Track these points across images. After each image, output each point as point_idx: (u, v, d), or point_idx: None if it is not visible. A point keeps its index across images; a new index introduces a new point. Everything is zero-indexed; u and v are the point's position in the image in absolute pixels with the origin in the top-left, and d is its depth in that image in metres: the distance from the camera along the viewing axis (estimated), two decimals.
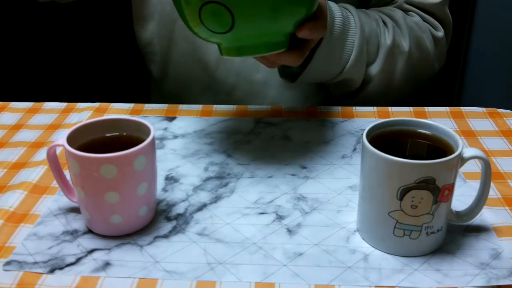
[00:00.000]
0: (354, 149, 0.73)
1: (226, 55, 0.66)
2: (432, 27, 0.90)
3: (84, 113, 0.81)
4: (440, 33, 0.90)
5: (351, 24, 0.79)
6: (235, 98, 0.90)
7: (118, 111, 0.82)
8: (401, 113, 0.81)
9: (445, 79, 1.40)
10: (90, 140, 0.59)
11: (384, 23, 0.85)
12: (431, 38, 0.89)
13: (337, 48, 0.78)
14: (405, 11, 0.89)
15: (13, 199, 0.63)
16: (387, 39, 0.83)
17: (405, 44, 0.85)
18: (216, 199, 0.64)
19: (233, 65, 0.88)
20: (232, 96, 0.90)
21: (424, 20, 0.89)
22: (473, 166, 0.68)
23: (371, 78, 0.84)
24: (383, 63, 0.83)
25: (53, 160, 0.60)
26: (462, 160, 0.54)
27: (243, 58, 0.83)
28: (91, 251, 0.56)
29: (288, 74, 0.82)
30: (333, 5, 0.78)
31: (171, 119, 0.81)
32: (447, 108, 0.82)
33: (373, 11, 0.87)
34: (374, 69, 0.83)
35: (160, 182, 0.66)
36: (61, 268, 0.54)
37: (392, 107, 0.82)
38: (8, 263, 0.55)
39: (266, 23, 0.61)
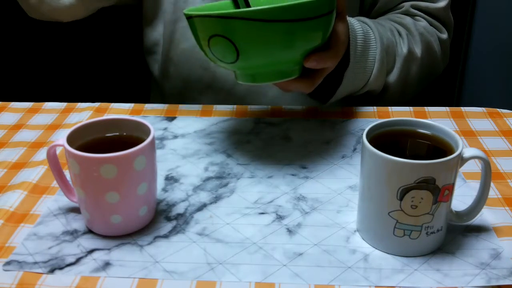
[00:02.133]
0: (354, 149, 0.73)
1: (240, 81, 0.68)
2: (437, 30, 0.93)
3: (84, 113, 0.81)
4: (445, 35, 0.93)
5: (371, 39, 0.81)
6: (236, 96, 0.91)
7: (118, 111, 0.82)
8: (401, 113, 0.81)
9: (445, 79, 1.40)
10: (90, 140, 0.59)
11: (398, 32, 0.88)
12: (438, 41, 0.92)
13: (361, 64, 0.80)
14: (412, 16, 0.92)
15: (13, 199, 0.63)
16: (403, 48, 0.86)
17: (418, 51, 0.88)
18: (216, 199, 0.64)
19: None
20: (233, 94, 0.91)
21: (430, 24, 0.92)
22: (473, 166, 0.68)
23: (388, 86, 0.86)
24: (400, 71, 0.86)
25: (53, 160, 0.60)
26: (462, 160, 0.54)
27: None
28: (91, 251, 0.56)
29: (317, 95, 0.83)
30: (353, 21, 0.79)
31: (171, 119, 0.81)
32: (447, 108, 0.82)
33: (386, 21, 0.89)
34: (392, 77, 0.86)
35: (160, 182, 0.66)
36: (61, 268, 0.54)
37: (392, 107, 0.82)
38: (8, 263, 0.55)
39: (271, 56, 0.62)
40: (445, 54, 0.95)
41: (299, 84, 0.68)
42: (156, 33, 0.95)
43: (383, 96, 0.88)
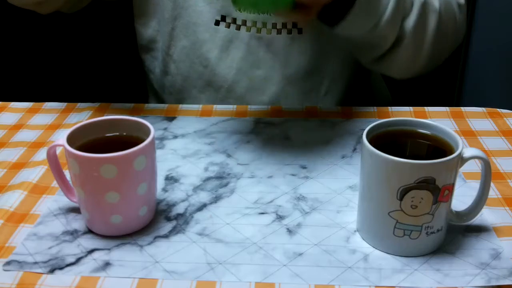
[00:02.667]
0: (354, 149, 0.73)
1: (235, 7, 0.66)
2: None
3: (84, 113, 0.81)
4: (462, 0, 0.88)
5: None
6: (236, 94, 0.91)
7: (118, 111, 0.82)
8: (401, 113, 0.81)
9: (445, 79, 1.40)
10: (90, 140, 0.59)
11: None
12: (456, 3, 0.87)
13: None
14: None
15: (13, 199, 0.63)
16: None
17: (435, 3, 0.82)
18: (216, 199, 0.64)
19: (234, 61, 0.89)
20: (233, 92, 0.91)
21: None
22: (473, 166, 0.68)
23: (404, 33, 0.80)
24: (417, 19, 0.80)
25: (53, 160, 0.60)
26: (462, 160, 0.54)
27: (244, 54, 0.86)
28: (91, 251, 0.56)
29: (327, 19, 0.78)
30: None
31: (171, 119, 0.81)
32: (447, 108, 0.82)
33: None
34: (408, 24, 0.80)
35: (160, 182, 0.66)
36: (61, 268, 0.54)
37: (392, 107, 0.82)
38: (8, 263, 0.55)
39: None
40: (463, 21, 0.88)
41: (294, 16, 0.67)
42: (151, 29, 0.95)
43: (397, 47, 0.81)
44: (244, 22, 0.86)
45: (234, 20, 0.86)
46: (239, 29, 0.86)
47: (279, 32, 0.86)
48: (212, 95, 0.92)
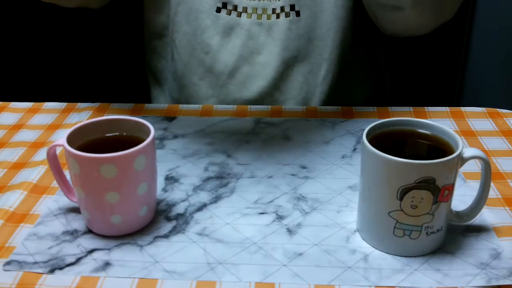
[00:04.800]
0: (354, 149, 0.73)
1: None
2: None
3: (84, 113, 0.81)
4: None
5: None
6: (236, 80, 0.91)
7: (118, 111, 0.82)
8: (401, 113, 0.81)
9: (445, 79, 1.40)
10: (90, 140, 0.59)
11: None
12: None
13: None
14: None
15: (13, 199, 0.63)
16: None
17: None
18: (216, 199, 0.64)
19: (235, 48, 0.89)
20: (233, 78, 0.91)
21: None
22: (473, 166, 0.68)
23: None
24: None
25: (53, 160, 0.60)
26: (462, 160, 0.54)
27: (245, 40, 0.87)
28: (91, 251, 0.56)
29: None
30: None
31: (171, 119, 0.81)
32: (447, 108, 0.82)
33: None
34: None
35: (160, 182, 0.66)
36: (61, 268, 0.54)
37: (392, 107, 0.82)
38: (8, 263, 0.55)
39: None
40: None
41: None
42: (164, 16, 0.95)
43: None
44: (245, 9, 0.87)
45: (235, 7, 0.87)
46: (240, 16, 0.87)
47: (278, 16, 0.87)
48: (212, 82, 0.92)
